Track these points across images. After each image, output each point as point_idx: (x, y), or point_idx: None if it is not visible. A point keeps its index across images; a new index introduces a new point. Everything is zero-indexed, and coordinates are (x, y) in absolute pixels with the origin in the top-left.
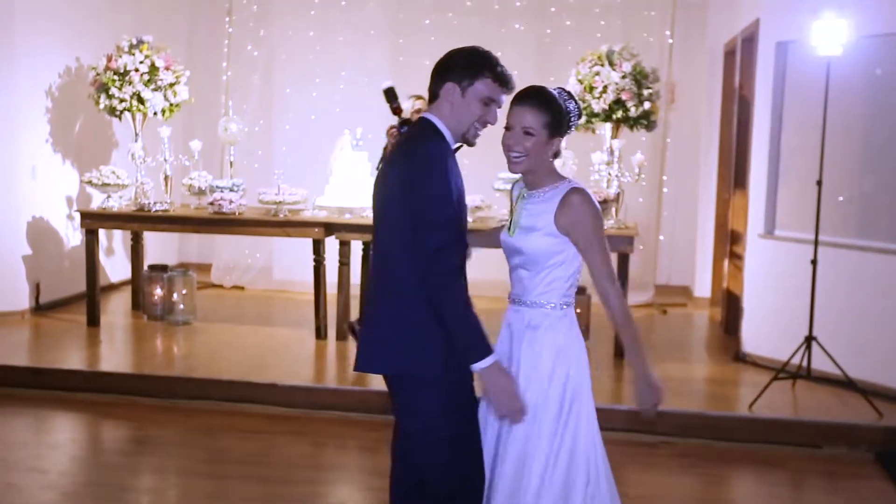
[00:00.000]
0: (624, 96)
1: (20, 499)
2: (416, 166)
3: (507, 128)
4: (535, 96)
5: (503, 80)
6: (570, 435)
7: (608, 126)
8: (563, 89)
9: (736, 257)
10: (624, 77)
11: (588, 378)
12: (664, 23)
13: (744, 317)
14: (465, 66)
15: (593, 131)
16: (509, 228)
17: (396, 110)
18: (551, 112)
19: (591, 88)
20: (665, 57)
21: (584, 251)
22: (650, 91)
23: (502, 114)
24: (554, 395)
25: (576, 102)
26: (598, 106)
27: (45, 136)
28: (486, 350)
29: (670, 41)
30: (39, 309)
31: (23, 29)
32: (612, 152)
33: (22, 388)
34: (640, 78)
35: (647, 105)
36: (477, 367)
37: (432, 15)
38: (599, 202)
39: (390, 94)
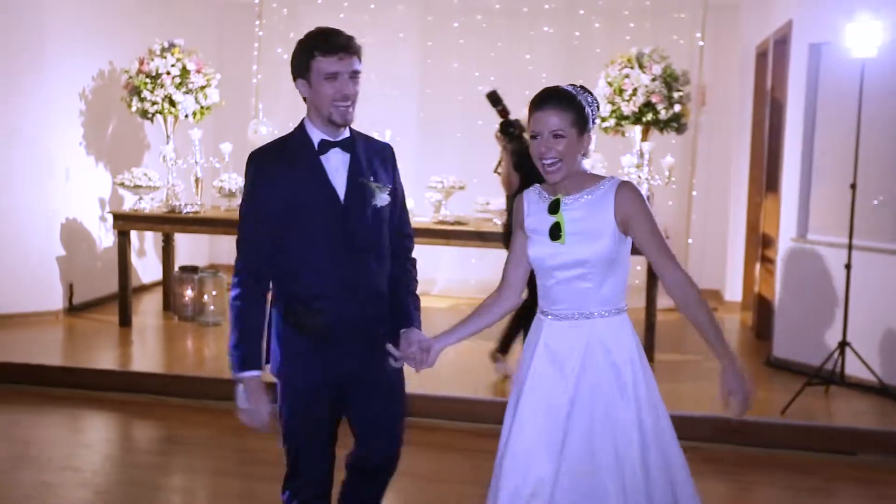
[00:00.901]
0: (654, 99)
1: (55, 497)
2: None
3: (534, 136)
4: (555, 97)
5: (329, 46)
6: (668, 463)
7: (638, 129)
8: (574, 84)
9: (768, 261)
10: (654, 79)
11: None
12: (695, 25)
13: (776, 321)
14: (297, 58)
15: (623, 134)
16: (555, 237)
17: (502, 113)
18: (575, 109)
19: (621, 91)
20: (696, 59)
21: (644, 241)
22: (680, 94)
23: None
24: (658, 406)
25: (591, 94)
26: (627, 109)
27: (79, 138)
28: (235, 367)
29: (701, 43)
30: (73, 309)
31: (56, 33)
32: (641, 155)
33: (55, 388)
34: (670, 80)
35: (677, 108)
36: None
37: (461, 17)
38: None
39: (493, 98)
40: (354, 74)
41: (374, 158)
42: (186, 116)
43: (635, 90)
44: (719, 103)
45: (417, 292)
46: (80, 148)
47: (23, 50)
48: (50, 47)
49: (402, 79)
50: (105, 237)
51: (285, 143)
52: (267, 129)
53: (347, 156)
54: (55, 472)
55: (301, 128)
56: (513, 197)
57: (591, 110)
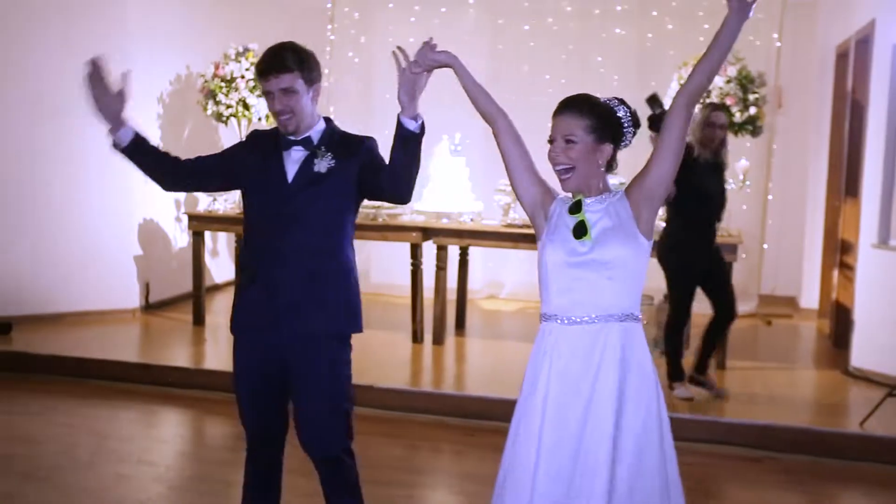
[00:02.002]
0: (728, 101)
1: (131, 490)
2: None
3: (550, 141)
4: (573, 102)
5: (260, 69)
6: (673, 464)
7: None
8: (616, 98)
9: (846, 268)
10: (728, 82)
11: None
12: (772, 25)
13: (854, 330)
14: None
15: None
16: (581, 235)
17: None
18: (594, 115)
19: None
20: (772, 60)
21: (652, 160)
22: (756, 96)
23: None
24: (665, 422)
25: (629, 109)
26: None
27: (157, 140)
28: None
29: (778, 44)
30: (149, 307)
31: (137, 40)
32: None
33: (132, 383)
34: (745, 82)
35: (752, 110)
36: None
37: (531, 20)
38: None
39: (654, 101)
40: (285, 91)
41: (337, 151)
42: (260, 119)
43: (709, 92)
44: (797, 105)
45: (485, 295)
46: None
47: (105, 56)
48: (130, 54)
49: None
50: (180, 237)
51: (267, 134)
52: None
53: (307, 153)
54: (131, 466)
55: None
56: (670, 205)
57: (624, 124)
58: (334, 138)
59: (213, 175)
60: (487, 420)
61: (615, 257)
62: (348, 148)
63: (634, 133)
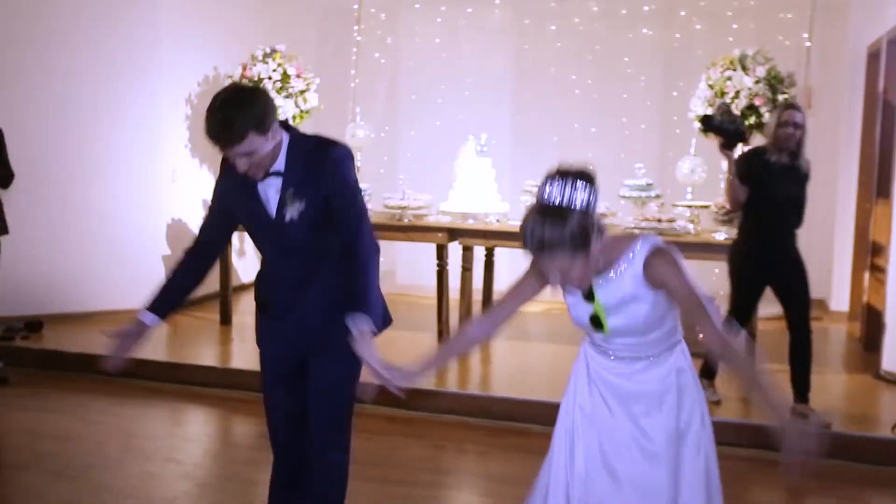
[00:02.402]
0: (757, 102)
1: (158, 487)
2: None
3: (543, 271)
4: (544, 244)
5: (207, 135)
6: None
7: None
8: (561, 176)
9: (878, 270)
10: (757, 82)
11: None
12: (802, 25)
13: (886, 333)
14: None
15: None
16: (598, 328)
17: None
18: (569, 238)
19: (723, 94)
20: (802, 60)
21: (680, 304)
22: (785, 96)
23: None
24: (708, 427)
25: (581, 181)
26: None
27: (185, 141)
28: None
29: (808, 44)
30: None
31: (166, 41)
32: None
33: (160, 382)
34: (774, 83)
35: None
36: None
37: (558, 21)
38: (729, 211)
39: (727, 112)
40: (245, 154)
41: (306, 172)
42: (286, 120)
43: (738, 93)
44: (827, 106)
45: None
46: (186, 150)
47: (135, 58)
48: (160, 56)
49: (497, 82)
50: None
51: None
52: (364, 133)
53: (280, 179)
54: (159, 464)
55: None
56: (742, 209)
57: (591, 200)
58: (301, 161)
59: (227, 227)
60: (512, 421)
61: (635, 323)
62: (314, 175)
63: (597, 187)
